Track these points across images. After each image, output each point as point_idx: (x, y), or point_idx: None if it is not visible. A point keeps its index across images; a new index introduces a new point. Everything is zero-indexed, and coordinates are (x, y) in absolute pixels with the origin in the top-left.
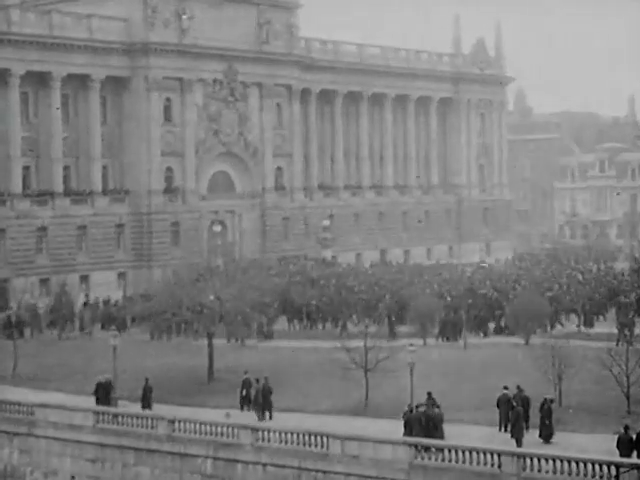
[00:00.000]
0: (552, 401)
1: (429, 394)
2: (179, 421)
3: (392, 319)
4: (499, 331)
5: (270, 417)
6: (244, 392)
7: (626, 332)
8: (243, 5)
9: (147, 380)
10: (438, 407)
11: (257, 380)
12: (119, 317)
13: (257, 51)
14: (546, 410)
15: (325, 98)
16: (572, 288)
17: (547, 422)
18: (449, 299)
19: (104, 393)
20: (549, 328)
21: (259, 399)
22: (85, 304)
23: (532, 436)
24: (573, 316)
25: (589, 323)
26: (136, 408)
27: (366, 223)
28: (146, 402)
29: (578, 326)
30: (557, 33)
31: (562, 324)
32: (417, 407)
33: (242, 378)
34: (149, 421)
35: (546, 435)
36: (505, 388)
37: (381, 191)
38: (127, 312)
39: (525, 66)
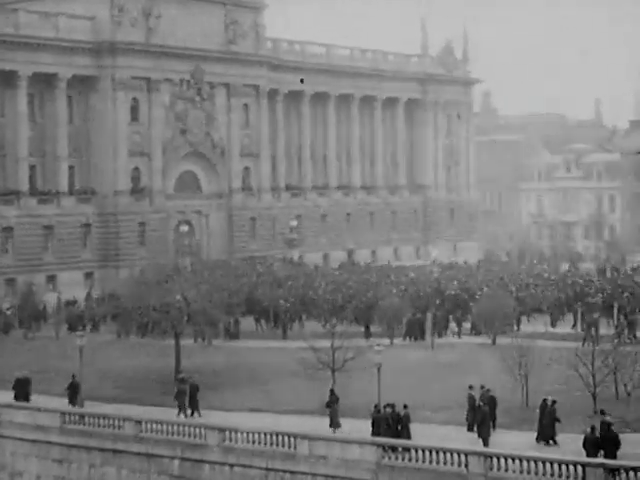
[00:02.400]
0: (554, 402)
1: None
2: (146, 421)
3: (366, 318)
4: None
5: (199, 415)
6: (176, 390)
7: (592, 332)
8: (210, 5)
9: (74, 377)
10: (405, 407)
11: (183, 379)
12: (86, 317)
13: (224, 51)
14: (550, 411)
15: (292, 98)
16: (538, 289)
17: (545, 423)
18: (416, 299)
19: (22, 389)
20: (515, 328)
21: (182, 397)
22: (67, 303)
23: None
24: (539, 316)
25: (554, 323)
26: (103, 408)
27: (333, 224)
28: (73, 398)
29: (553, 326)
30: (524, 35)
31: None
32: (384, 407)
33: (177, 377)
34: (116, 422)
35: (545, 436)
36: (470, 387)
37: (348, 192)
38: (94, 312)
39: (492, 68)
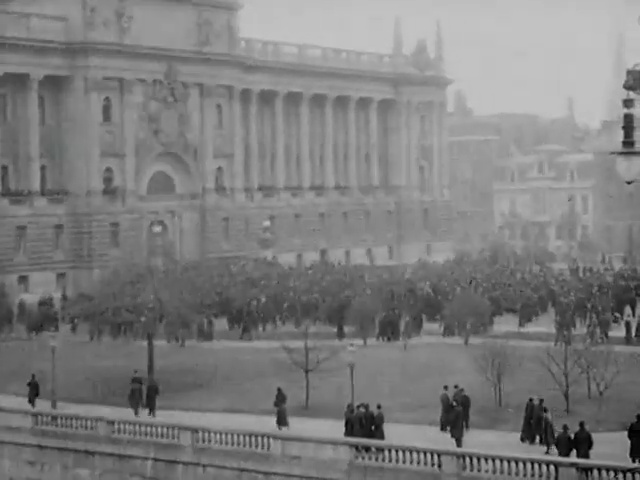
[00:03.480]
0: (542, 401)
1: None
2: (119, 422)
3: (339, 319)
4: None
5: (153, 415)
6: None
7: (564, 332)
8: (183, 6)
9: (33, 376)
10: (379, 407)
11: (137, 379)
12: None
13: (197, 51)
14: (537, 411)
15: (266, 99)
16: (511, 289)
17: (533, 422)
18: (389, 299)
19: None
20: (488, 328)
21: (136, 396)
22: (40, 304)
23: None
24: (512, 316)
25: (524, 323)
26: (76, 409)
27: (306, 224)
28: (32, 398)
29: (522, 326)
30: (497, 35)
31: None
32: (358, 407)
33: (132, 376)
34: (89, 422)
35: (531, 436)
36: (445, 388)
37: (321, 192)
38: (66, 313)
39: (465, 68)
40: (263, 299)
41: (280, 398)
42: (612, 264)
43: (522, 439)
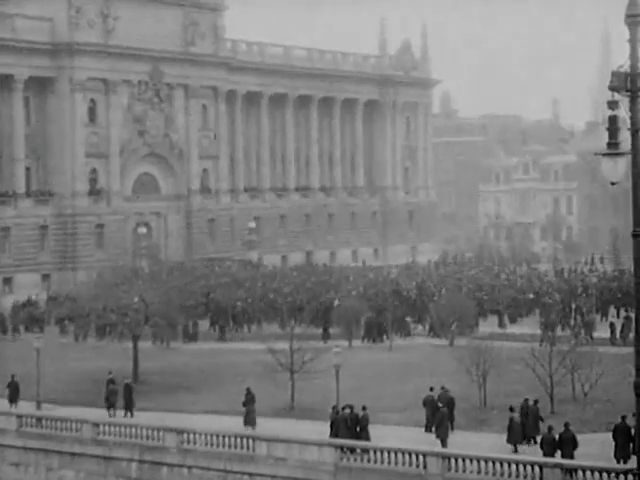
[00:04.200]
0: (536, 402)
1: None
2: (104, 424)
3: (325, 320)
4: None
5: (132, 415)
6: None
7: (549, 333)
8: (169, 6)
9: (13, 377)
10: (364, 408)
11: (112, 380)
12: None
13: (183, 52)
14: (533, 411)
15: (251, 100)
16: (496, 290)
17: (528, 422)
18: (374, 300)
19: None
20: (474, 329)
21: (112, 398)
22: (24, 305)
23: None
24: (496, 317)
25: (509, 324)
26: (61, 411)
27: (292, 225)
28: (13, 398)
29: (501, 327)
30: (483, 37)
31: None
32: (343, 408)
33: (106, 378)
34: (74, 424)
35: (527, 436)
36: (431, 389)
37: (307, 193)
38: (51, 314)
39: (451, 69)
40: (249, 300)
41: (249, 398)
42: (596, 265)
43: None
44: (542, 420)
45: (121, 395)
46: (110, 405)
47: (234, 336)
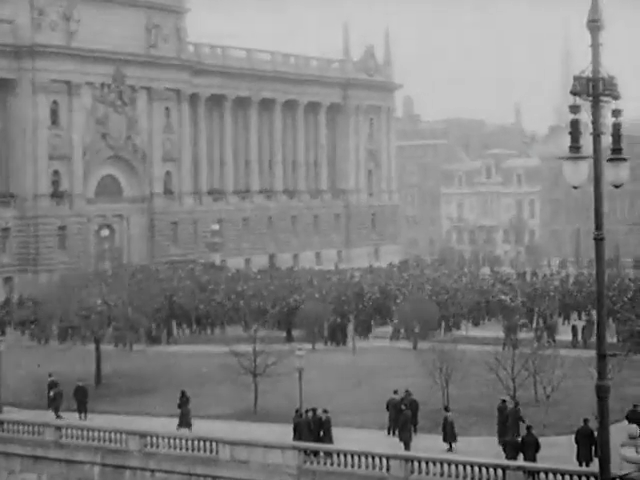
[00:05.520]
0: (517, 404)
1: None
2: (66, 427)
3: (288, 323)
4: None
5: (85, 418)
6: (51, 394)
7: (512, 336)
8: (132, 9)
9: None
10: (326, 411)
11: (54, 383)
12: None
13: (146, 55)
14: (514, 412)
15: (214, 103)
16: (459, 293)
17: (509, 424)
18: (338, 303)
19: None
20: (438, 332)
21: (57, 400)
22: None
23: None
24: (460, 320)
25: (472, 327)
26: (23, 414)
27: (255, 228)
28: None
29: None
30: (446, 42)
31: (452, 328)
32: (306, 412)
33: (48, 380)
34: (36, 428)
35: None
36: (395, 392)
37: (270, 196)
38: (12, 317)
39: (414, 74)
40: (212, 303)
41: (184, 400)
42: (559, 268)
43: (500, 442)
44: (523, 421)
45: (70, 397)
46: (56, 408)
47: (174, 339)
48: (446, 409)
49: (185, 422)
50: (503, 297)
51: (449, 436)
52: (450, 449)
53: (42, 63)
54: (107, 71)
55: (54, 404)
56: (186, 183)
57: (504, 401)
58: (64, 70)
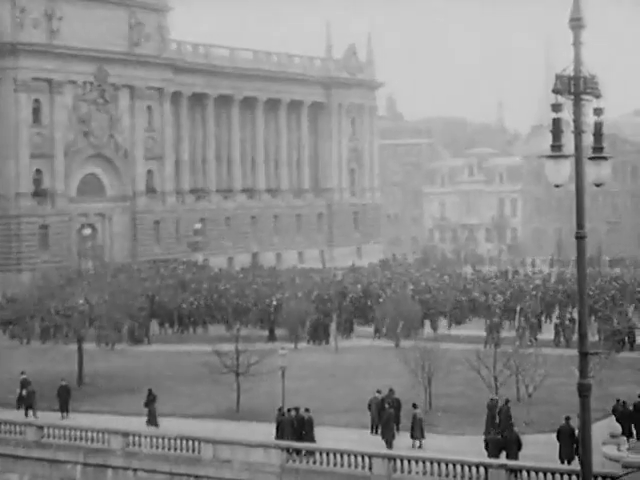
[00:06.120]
0: (508, 401)
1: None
2: (48, 427)
3: (270, 322)
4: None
5: (67, 417)
6: (23, 392)
7: (493, 335)
8: (114, 7)
9: None
10: (307, 410)
11: (26, 381)
12: None
13: (128, 53)
14: (504, 410)
15: (197, 101)
16: (441, 292)
17: (500, 422)
18: (320, 302)
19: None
20: (421, 331)
21: (28, 399)
22: None
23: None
24: (442, 319)
25: (455, 325)
26: (4, 414)
27: (238, 227)
28: None
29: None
30: (429, 40)
31: (434, 327)
32: (289, 410)
33: (20, 378)
34: (18, 427)
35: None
36: (378, 392)
37: (253, 195)
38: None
39: (397, 72)
40: (194, 302)
41: (150, 398)
42: (541, 267)
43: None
44: (511, 419)
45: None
46: (27, 407)
47: (148, 339)
48: (414, 406)
49: (153, 420)
50: (484, 296)
51: (417, 433)
52: (420, 446)
53: (24, 61)
54: (89, 69)
55: (25, 403)
56: (168, 182)
57: (492, 399)
58: (46, 68)
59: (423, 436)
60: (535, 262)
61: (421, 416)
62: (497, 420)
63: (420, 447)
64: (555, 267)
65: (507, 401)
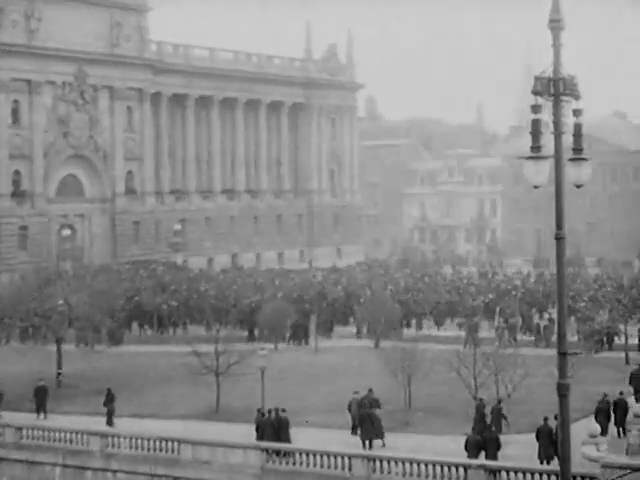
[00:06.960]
0: (500, 401)
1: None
2: (27, 428)
3: (250, 323)
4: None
5: (45, 418)
6: None
7: (473, 335)
8: (94, 7)
9: None
10: (283, 411)
11: None
12: None
13: (108, 54)
14: (497, 410)
15: (176, 102)
16: (421, 292)
17: (493, 422)
18: (300, 303)
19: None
20: (401, 331)
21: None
22: None
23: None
24: (422, 319)
25: (437, 326)
26: None
27: (218, 227)
28: None
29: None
30: (408, 42)
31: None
32: (269, 411)
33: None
34: None
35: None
36: (355, 393)
37: (233, 195)
38: None
39: (377, 73)
40: (174, 303)
41: (109, 398)
42: (520, 267)
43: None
44: (506, 419)
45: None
46: None
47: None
48: (371, 405)
49: (109, 421)
50: (464, 296)
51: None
52: (370, 446)
53: (3, 62)
54: (69, 70)
55: None
56: (148, 183)
57: (482, 399)
58: (25, 69)
59: (383, 436)
60: (518, 263)
61: (380, 417)
62: (489, 420)
63: (371, 447)
64: (534, 267)
65: (499, 401)
